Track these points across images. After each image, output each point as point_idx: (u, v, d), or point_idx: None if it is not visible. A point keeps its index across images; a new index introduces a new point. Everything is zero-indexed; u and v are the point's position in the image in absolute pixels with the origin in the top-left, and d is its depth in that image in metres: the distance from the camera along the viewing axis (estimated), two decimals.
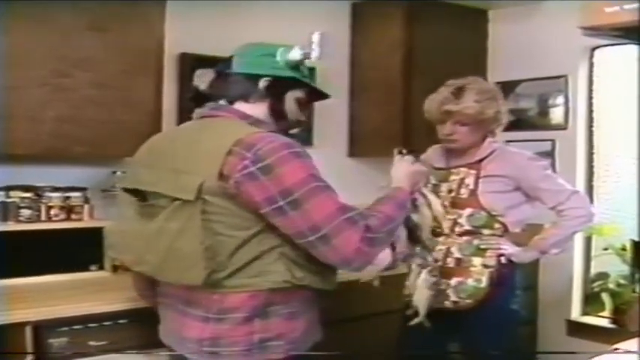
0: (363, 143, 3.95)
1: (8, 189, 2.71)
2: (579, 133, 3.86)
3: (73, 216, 2.83)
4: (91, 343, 2.30)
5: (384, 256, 1.98)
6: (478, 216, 2.47)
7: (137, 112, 2.79)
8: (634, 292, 3.55)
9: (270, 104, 1.91)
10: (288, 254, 1.77)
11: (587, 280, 3.86)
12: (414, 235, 2.27)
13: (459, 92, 2.48)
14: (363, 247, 1.71)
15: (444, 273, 2.48)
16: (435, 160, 2.63)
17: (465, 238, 2.48)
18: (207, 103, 1.95)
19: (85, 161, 2.90)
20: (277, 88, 1.91)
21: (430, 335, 2.44)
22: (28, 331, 2.20)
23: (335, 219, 1.69)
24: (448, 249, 2.49)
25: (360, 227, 1.71)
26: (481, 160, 2.52)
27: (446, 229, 2.47)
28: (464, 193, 2.50)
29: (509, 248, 2.52)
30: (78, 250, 2.75)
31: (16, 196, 2.71)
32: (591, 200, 3.69)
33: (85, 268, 2.80)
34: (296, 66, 1.92)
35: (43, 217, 2.76)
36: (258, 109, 1.90)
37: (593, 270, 3.85)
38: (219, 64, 1.97)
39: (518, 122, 3.93)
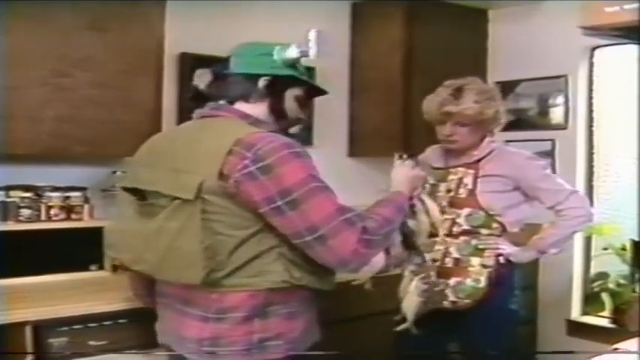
0: (363, 143, 3.95)
1: (8, 189, 2.71)
2: (579, 133, 3.86)
3: (73, 216, 2.83)
4: (91, 342, 2.30)
5: (378, 260, 1.98)
6: (476, 216, 2.47)
7: (137, 112, 2.79)
8: (634, 292, 3.55)
9: (270, 104, 1.91)
10: (286, 254, 1.77)
11: (587, 280, 3.86)
12: (409, 240, 2.26)
13: (458, 93, 2.48)
14: (359, 248, 1.71)
15: (443, 273, 2.48)
16: (434, 159, 2.63)
17: (463, 238, 2.48)
18: (207, 103, 1.95)
19: (85, 161, 2.91)
20: (276, 86, 1.91)
21: (429, 335, 2.44)
22: (28, 331, 2.20)
23: (333, 220, 1.69)
24: (446, 249, 2.49)
25: (357, 228, 1.71)
26: (479, 160, 2.52)
27: (444, 229, 2.47)
28: (462, 192, 2.50)
29: (507, 248, 2.52)
30: (78, 249, 2.75)
31: (16, 195, 2.71)
32: (591, 200, 3.70)
33: (84, 267, 2.80)
34: (293, 64, 1.93)
35: (43, 216, 2.76)
36: (258, 109, 1.90)
37: (593, 270, 3.85)
38: (216, 65, 1.97)
39: (518, 122, 3.94)
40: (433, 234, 2.37)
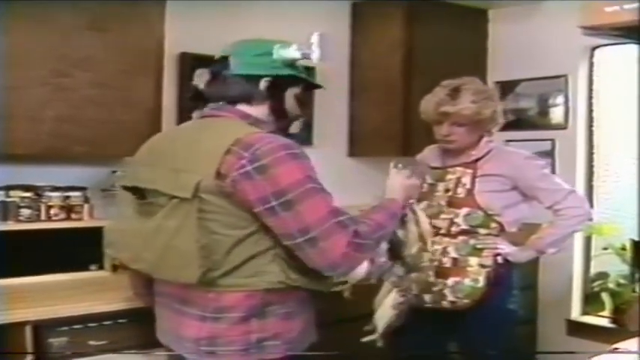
0: (363, 143, 3.95)
1: (8, 189, 2.71)
2: (579, 132, 3.86)
3: (73, 215, 2.83)
4: (91, 342, 2.30)
5: (360, 267, 1.96)
6: (475, 215, 2.47)
7: (137, 111, 2.79)
8: (634, 291, 3.55)
9: (270, 104, 1.91)
10: (283, 256, 1.77)
11: (587, 280, 3.86)
12: (395, 251, 2.22)
13: (455, 93, 2.48)
14: (350, 251, 1.71)
15: (441, 273, 2.48)
16: (432, 159, 2.63)
17: (461, 237, 2.48)
18: (207, 103, 1.95)
19: (85, 161, 2.91)
20: (277, 87, 1.91)
21: (428, 335, 2.44)
22: (28, 331, 2.20)
23: (326, 222, 1.70)
24: (445, 249, 2.49)
25: (349, 232, 1.71)
26: (478, 160, 2.53)
27: (442, 229, 2.47)
28: (460, 192, 2.50)
29: (505, 248, 2.52)
30: (78, 249, 2.75)
31: (16, 195, 2.71)
32: (591, 200, 3.70)
33: (84, 267, 2.80)
34: (292, 63, 1.92)
35: (43, 216, 2.76)
36: (259, 110, 1.90)
37: (593, 270, 3.85)
38: (214, 65, 1.95)
39: (518, 122, 3.94)
40: (422, 248, 2.30)
